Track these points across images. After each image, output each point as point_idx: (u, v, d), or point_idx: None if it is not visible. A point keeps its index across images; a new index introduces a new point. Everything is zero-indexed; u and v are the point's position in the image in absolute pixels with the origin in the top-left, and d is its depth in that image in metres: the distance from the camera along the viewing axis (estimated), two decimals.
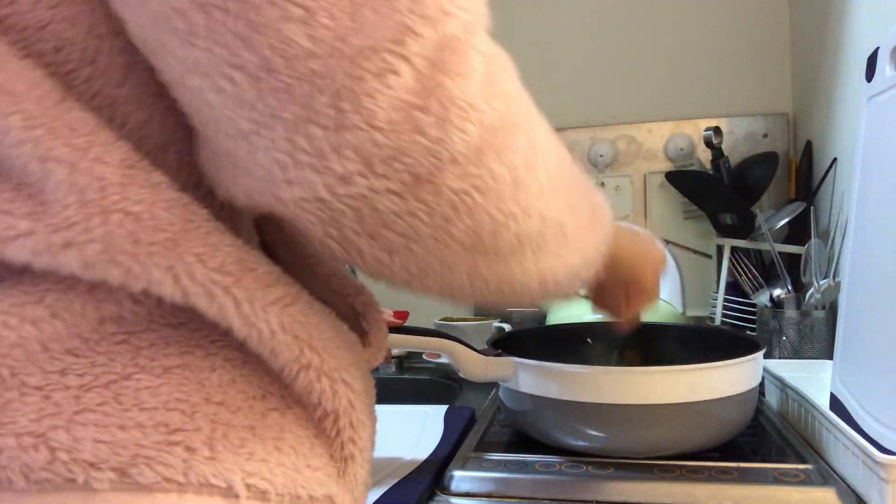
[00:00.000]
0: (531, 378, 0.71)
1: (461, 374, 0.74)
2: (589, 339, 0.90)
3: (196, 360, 0.31)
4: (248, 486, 0.30)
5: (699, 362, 0.67)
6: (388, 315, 0.66)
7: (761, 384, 0.90)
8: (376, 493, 0.64)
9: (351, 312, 0.43)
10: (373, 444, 0.40)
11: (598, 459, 0.67)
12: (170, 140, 0.33)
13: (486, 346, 0.77)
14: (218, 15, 0.26)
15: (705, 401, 0.66)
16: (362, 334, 0.42)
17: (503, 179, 0.31)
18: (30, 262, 0.28)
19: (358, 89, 0.27)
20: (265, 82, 0.27)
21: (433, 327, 1.26)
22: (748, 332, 1.06)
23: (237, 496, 0.30)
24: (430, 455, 0.74)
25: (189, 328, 0.32)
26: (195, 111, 0.29)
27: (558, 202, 0.35)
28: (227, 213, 0.35)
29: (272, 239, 0.42)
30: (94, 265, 0.28)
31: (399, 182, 0.29)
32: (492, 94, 0.30)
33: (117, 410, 0.29)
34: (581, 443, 0.69)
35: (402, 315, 0.67)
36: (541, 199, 0.34)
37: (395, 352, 1.26)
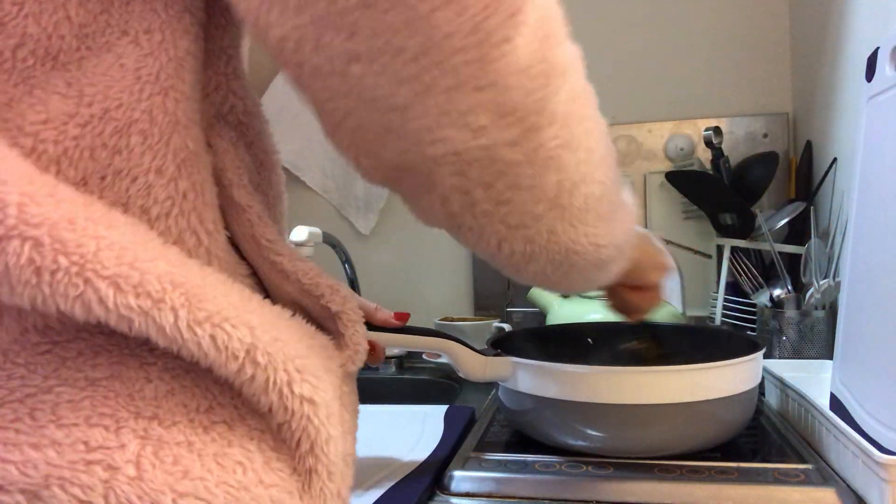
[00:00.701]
0: (530, 378, 0.71)
1: (460, 374, 0.73)
2: (589, 340, 0.90)
3: (128, 371, 0.29)
4: None
5: (699, 362, 0.67)
6: (388, 316, 0.65)
7: (761, 384, 0.90)
8: (376, 493, 0.64)
9: (325, 313, 0.40)
10: (347, 455, 0.37)
11: (598, 459, 0.67)
12: (131, 120, 0.31)
13: (486, 347, 0.77)
14: (377, 13, 0.30)
15: (705, 401, 0.66)
16: (338, 336, 0.40)
17: (582, 143, 0.38)
18: None
19: (494, 55, 0.32)
20: (422, 62, 0.31)
21: (433, 327, 1.26)
22: (748, 332, 1.06)
23: None
24: (430, 455, 0.74)
25: (124, 336, 0.29)
26: (354, 95, 0.33)
27: (611, 174, 0.42)
28: (191, 204, 0.33)
29: (240, 235, 0.40)
30: None
31: (515, 133, 0.34)
32: (576, 65, 0.37)
33: (31, 427, 0.27)
34: (580, 443, 0.69)
35: (404, 317, 0.67)
36: (601, 168, 0.41)
37: (395, 352, 1.26)
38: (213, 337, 0.29)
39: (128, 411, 0.28)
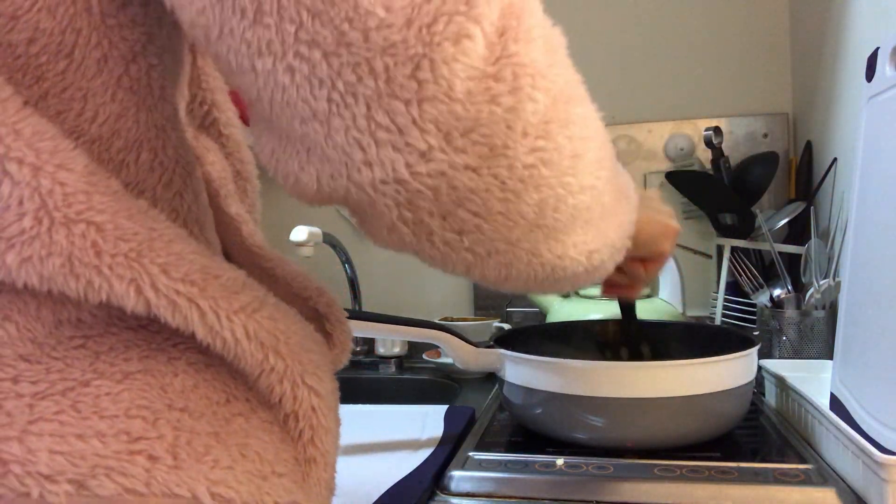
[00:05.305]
0: (518, 370, 0.74)
1: (455, 363, 0.82)
2: (599, 339, 0.91)
3: (158, 365, 0.30)
4: (213, 496, 0.29)
5: (694, 358, 0.68)
6: None
7: (761, 384, 0.90)
8: (376, 493, 0.64)
9: (313, 315, 0.42)
10: (337, 447, 0.39)
11: (598, 460, 0.67)
12: (143, 137, 0.32)
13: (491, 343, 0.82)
14: None
15: (699, 395, 0.67)
16: (326, 336, 0.42)
17: (565, 152, 0.31)
18: None
19: (437, 57, 0.26)
20: (342, 57, 0.26)
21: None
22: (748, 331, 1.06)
23: None
24: (430, 455, 0.74)
25: (150, 331, 0.31)
26: (265, 98, 0.28)
27: (603, 173, 0.35)
28: (194, 214, 0.35)
29: (228, 242, 0.41)
30: (53, 278, 0.27)
31: (476, 156, 0.28)
32: (553, 62, 0.30)
33: (75, 419, 0.28)
34: (568, 435, 0.70)
35: None
36: (592, 171, 0.33)
37: (395, 351, 1.26)
38: (245, 327, 0.31)
39: (162, 403, 0.30)
